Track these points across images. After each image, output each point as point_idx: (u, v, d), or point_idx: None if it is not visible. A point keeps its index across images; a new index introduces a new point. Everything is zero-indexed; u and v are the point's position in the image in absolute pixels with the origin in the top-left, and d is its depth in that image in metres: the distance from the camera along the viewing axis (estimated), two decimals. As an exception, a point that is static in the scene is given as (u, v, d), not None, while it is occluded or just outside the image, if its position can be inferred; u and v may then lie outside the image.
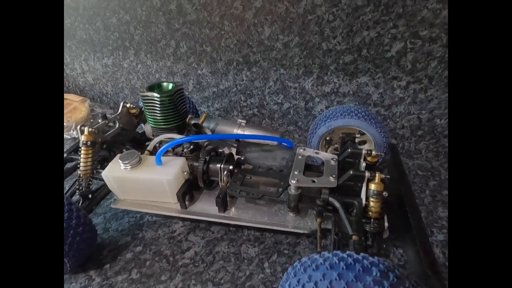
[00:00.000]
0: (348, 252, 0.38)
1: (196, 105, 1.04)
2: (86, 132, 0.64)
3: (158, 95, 0.64)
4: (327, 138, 0.80)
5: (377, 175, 0.52)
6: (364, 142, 0.79)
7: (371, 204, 0.52)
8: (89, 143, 0.63)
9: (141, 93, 0.66)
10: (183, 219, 0.72)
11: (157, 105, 0.65)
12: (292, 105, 1.08)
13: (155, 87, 0.69)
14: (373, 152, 0.57)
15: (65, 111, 1.22)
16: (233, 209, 0.65)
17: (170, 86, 0.69)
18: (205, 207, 0.66)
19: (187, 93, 1.23)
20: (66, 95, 1.37)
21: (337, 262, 0.36)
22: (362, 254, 0.37)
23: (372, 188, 0.51)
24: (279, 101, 1.09)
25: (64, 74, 1.57)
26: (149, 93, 0.65)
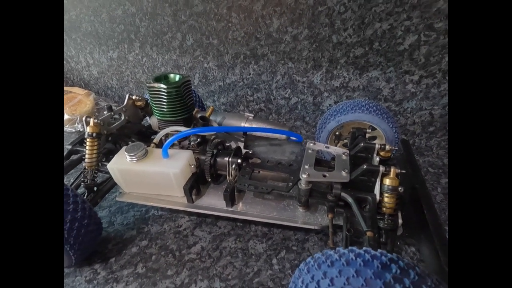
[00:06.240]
0: (364, 248, 0.36)
1: (202, 99, 1.02)
2: (91, 124, 0.63)
3: (165, 86, 0.62)
4: (337, 133, 0.78)
5: (392, 169, 0.50)
6: (374, 138, 0.77)
7: (385, 199, 0.50)
8: (94, 134, 0.62)
9: (147, 84, 0.64)
10: (189, 214, 0.71)
11: (164, 97, 0.64)
12: (299, 99, 1.06)
13: (162, 78, 0.67)
14: (387, 147, 0.55)
15: (69, 104, 1.21)
16: (240, 203, 0.64)
17: (177, 77, 0.67)
18: (212, 201, 0.65)
19: (192, 87, 1.21)
20: (70, 89, 1.36)
21: (353, 258, 0.34)
22: (379, 250, 0.35)
23: (386, 183, 0.50)
24: (287, 95, 1.07)
25: (69, 68, 1.56)
26: (156, 84, 0.63)
